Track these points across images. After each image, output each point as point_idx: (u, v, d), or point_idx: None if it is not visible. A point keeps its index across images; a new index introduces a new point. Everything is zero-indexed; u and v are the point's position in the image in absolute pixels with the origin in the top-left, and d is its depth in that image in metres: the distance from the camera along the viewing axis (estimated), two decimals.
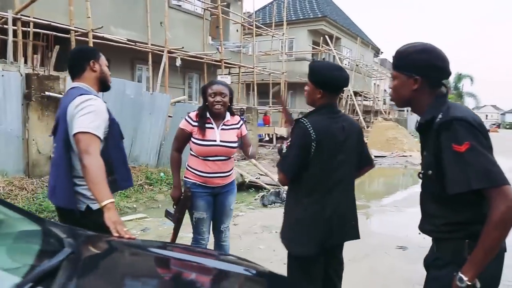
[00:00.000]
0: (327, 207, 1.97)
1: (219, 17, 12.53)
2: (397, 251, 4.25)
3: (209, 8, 12.71)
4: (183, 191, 2.79)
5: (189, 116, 2.82)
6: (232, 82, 13.71)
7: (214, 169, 2.76)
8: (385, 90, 37.45)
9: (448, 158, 1.31)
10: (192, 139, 2.76)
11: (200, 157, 2.75)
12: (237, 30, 16.09)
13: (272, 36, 16.86)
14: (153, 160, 7.36)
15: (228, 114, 2.87)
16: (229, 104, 2.83)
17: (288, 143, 1.97)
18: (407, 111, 30.03)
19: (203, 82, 13.08)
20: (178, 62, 11.45)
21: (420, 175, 1.50)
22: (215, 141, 2.74)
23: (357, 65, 24.40)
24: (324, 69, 2.02)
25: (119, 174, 2.09)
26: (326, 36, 20.69)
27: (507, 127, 76.99)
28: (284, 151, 2.00)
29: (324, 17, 21.64)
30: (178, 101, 8.38)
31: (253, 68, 14.83)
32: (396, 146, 16.79)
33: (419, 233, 1.56)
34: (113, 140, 2.10)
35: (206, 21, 12.91)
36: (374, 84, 31.40)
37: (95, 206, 1.94)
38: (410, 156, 14.69)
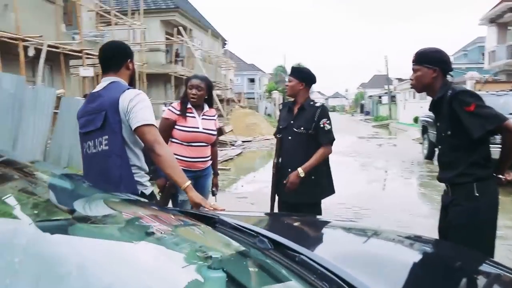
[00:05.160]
0: None
1: (76, 3, 11.54)
2: None
3: None
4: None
5: (172, 106, 2.99)
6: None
7: (196, 154, 2.98)
8: (231, 80, 39.59)
9: (465, 118, 1.92)
10: (177, 126, 2.93)
11: (183, 143, 2.93)
12: (90, 18, 14.95)
13: (129, 26, 16.22)
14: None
15: (206, 106, 3.11)
16: (206, 97, 3.07)
17: (327, 122, 2.71)
18: (258, 98, 32.35)
19: (59, 74, 11.86)
20: (31, 52, 10.23)
21: (443, 134, 2.08)
22: (197, 128, 2.98)
23: (208, 56, 25.27)
24: (308, 70, 2.94)
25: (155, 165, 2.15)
26: (180, 27, 20.78)
27: (331, 110, 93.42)
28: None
29: (177, 8, 21.66)
30: (59, 95, 7.60)
31: None
32: (256, 131, 18.24)
33: None
34: None
35: (58, 7, 11.69)
36: (223, 74, 32.89)
37: (147, 191, 2.05)
38: (273, 139, 16.18)
